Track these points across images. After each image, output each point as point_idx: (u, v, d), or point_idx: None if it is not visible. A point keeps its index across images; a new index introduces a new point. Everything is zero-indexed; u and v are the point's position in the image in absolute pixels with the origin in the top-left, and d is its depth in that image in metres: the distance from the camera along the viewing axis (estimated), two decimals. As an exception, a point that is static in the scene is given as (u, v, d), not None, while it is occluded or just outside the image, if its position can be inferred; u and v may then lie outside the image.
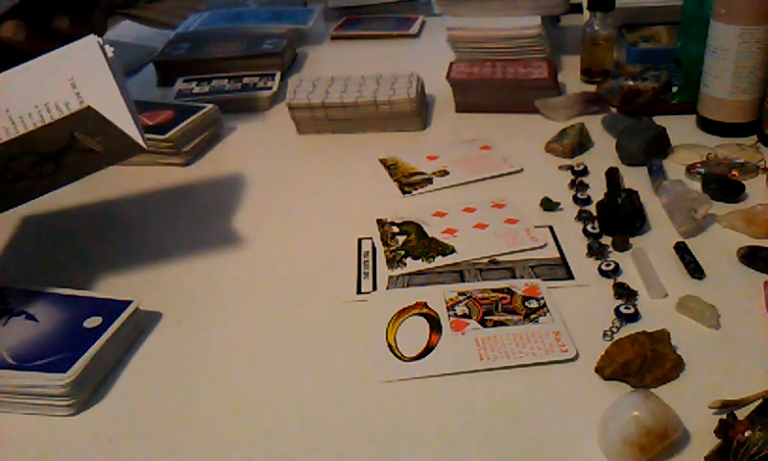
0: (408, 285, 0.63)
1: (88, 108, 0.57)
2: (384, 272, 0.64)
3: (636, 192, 0.69)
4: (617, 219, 0.66)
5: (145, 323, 0.60)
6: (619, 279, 0.61)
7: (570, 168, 0.79)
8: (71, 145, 0.60)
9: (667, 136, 0.80)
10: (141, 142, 0.61)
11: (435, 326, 0.57)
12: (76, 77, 0.61)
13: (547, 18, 1.02)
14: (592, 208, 0.70)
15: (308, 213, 0.75)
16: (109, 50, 0.63)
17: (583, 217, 0.69)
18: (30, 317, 0.58)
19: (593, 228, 0.67)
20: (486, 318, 0.57)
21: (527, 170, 0.80)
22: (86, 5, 0.66)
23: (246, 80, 1.04)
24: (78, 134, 0.59)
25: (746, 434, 0.43)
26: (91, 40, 0.63)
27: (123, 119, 0.60)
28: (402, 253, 0.66)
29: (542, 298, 0.59)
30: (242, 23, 1.24)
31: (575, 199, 0.73)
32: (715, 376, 0.51)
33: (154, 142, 0.84)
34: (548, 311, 0.58)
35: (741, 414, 0.46)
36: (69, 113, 0.58)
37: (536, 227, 0.69)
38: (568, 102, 0.91)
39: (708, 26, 0.80)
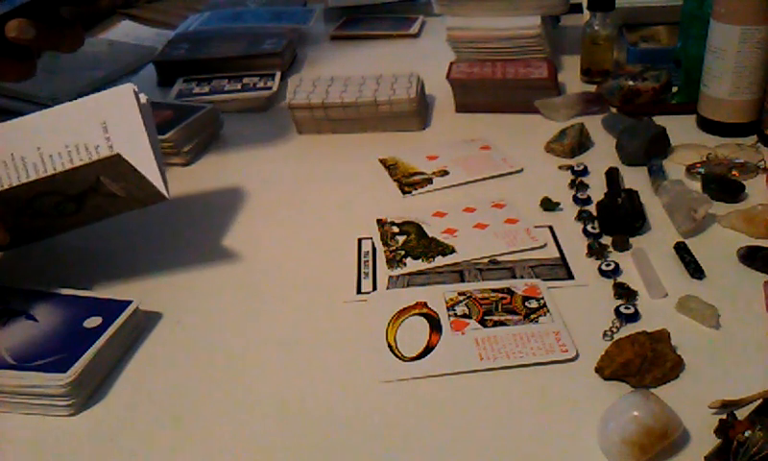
0: (408, 285, 0.63)
1: (117, 155, 0.59)
2: (384, 272, 0.64)
3: (636, 192, 0.69)
4: (617, 219, 0.66)
5: (145, 323, 0.60)
6: (619, 279, 0.61)
7: (570, 168, 0.79)
8: (95, 188, 0.62)
9: (667, 136, 0.80)
10: (164, 192, 0.63)
11: (435, 326, 0.57)
12: (108, 121, 0.62)
13: (547, 18, 1.02)
14: (592, 208, 0.70)
15: (308, 213, 0.76)
16: (143, 98, 0.65)
17: (583, 217, 0.69)
18: (30, 317, 0.58)
19: (593, 228, 0.67)
20: (486, 318, 0.57)
21: (527, 170, 0.80)
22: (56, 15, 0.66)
23: (246, 80, 1.04)
24: (103, 179, 0.61)
25: (746, 434, 0.43)
26: (127, 88, 0.64)
27: (149, 168, 0.62)
28: (402, 253, 0.66)
29: (542, 298, 0.59)
30: (242, 23, 1.24)
31: (575, 199, 0.73)
32: (715, 376, 0.51)
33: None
34: (548, 311, 0.58)
35: (741, 414, 0.46)
36: (98, 158, 0.59)
37: (536, 227, 0.69)
38: (568, 102, 0.91)
39: (707, 26, 0.80)
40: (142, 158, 0.61)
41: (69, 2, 0.65)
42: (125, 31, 1.35)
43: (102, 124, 0.62)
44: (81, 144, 0.61)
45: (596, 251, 0.64)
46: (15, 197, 0.61)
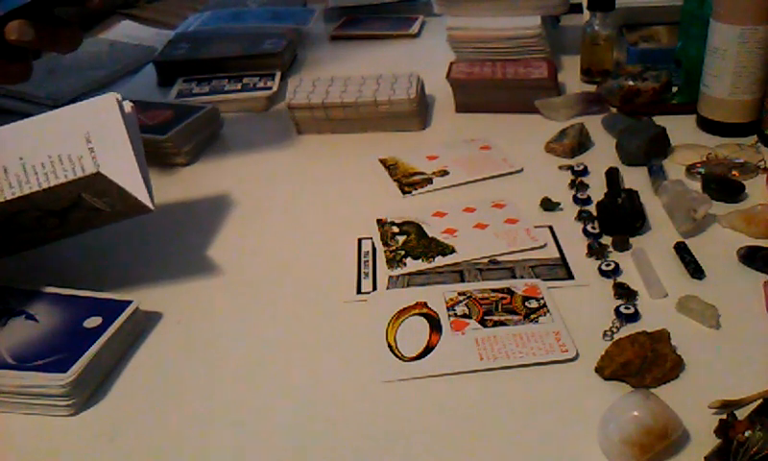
0: (408, 285, 0.63)
1: (98, 173, 0.58)
2: (384, 272, 0.64)
3: (636, 192, 0.69)
4: (617, 219, 0.66)
5: (145, 323, 0.60)
6: (619, 279, 0.61)
7: (570, 168, 0.79)
8: (77, 204, 0.61)
9: (667, 136, 0.80)
10: (149, 204, 0.62)
11: (435, 326, 0.57)
12: (92, 132, 0.61)
13: (547, 18, 1.02)
14: (592, 208, 0.70)
15: (308, 213, 0.76)
16: (128, 105, 0.64)
17: (583, 217, 0.69)
18: (30, 317, 0.58)
19: (593, 228, 0.67)
20: (486, 318, 0.57)
21: (527, 170, 0.80)
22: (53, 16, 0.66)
23: (246, 80, 1.04)
24: (85, 195, 0.60)
25: (746, 434, 0.43)
26: (110, 98, 0.63)
27: (133, 179, 0.61)
28: (402, 253, 0.66)
29: (542, 298, 0.59)
30: (242, 23, 1.24)
31: (575, 199, 0.73)
32: (715, 375, 0.51)
33: (154, 142, 0.84)
34: (548, 311, 0.58)
35: (741, 414, 0.46)
36: (78, 177, 0.59)
37: (536, 227, 0.69)
38: (568, 102, 0.91)
39: (707, 26, 0.80)
40: (126, 170, 0.61)
41: (64, 2, 0.65)
42: (125, 31, 1.35)
43: (85, 134, 0.61)
44: (64, 155, 0.60)
45: (596, 251, 0.64)
46: None
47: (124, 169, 0.60)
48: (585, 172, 0.78)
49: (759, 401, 0.46)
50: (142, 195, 0.61)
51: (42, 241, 0.68)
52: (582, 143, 0.83)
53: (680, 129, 0.83)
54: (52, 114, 0.63)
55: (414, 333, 0.57)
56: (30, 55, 0.67)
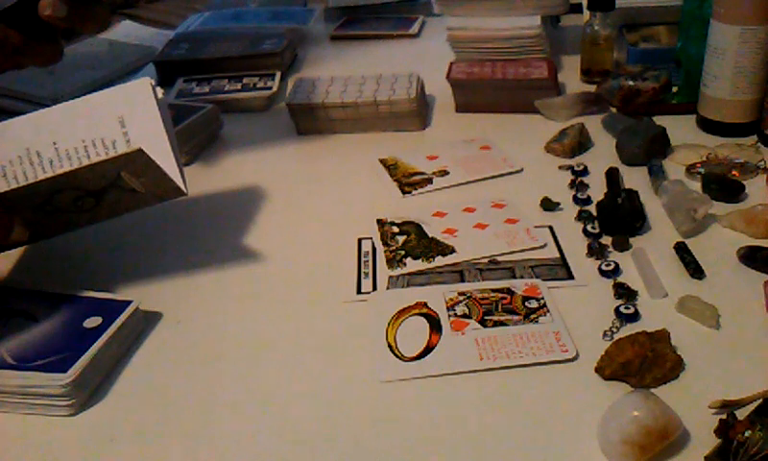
0: (408, 285, 0.63)
1: (139, 149, 0.57)
2: (384, 272, 0.64)
3: (636, 192, 0.69)
4: (617, 219, 0.66)
5: (145, 323, 0.60)
6: (619, 279, 0.61)
7: (570, 168, 0.79)
8: (116, 184, 0.61)
9: (667, 136, 0.80)
10: (183, 187, 0.62)
11: (435, 326, 0.57)
12: (125, 116, 0.61)
13: (547, 18, 1.02)
14: (592, 208, 0.70)
15: (308, 213, 0.76)
16: (159, 92, 0.64)
17: (583, 217, 0.69)
18: (30, 317, 0.58)
19: (593, 228, 0.67)
20: (486, 318, 0.57)
21: (527, 170, 0.80)
22: None
23: (246, 80, 1.04)
24: (124, 174, 0.60)
25: (746, 434, 0.43)
26: (144, 82, 0.63)
27: (168, 163, 0.61)
28: (402, 253, 0.66)
29: (542, 298, 0.59)
30: (242, 23, 1.24)
31: (575, 199, 0.73)
32: (715, 376, 0.51)
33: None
34: (548, 311, 0.58)
35: (741, 414, 0.46)
36: (120, 153, 0.58)
37: (536, 227, 0.69)
38: (568, 102, 0.91)
39: (708, 26, 0.80)
40: (161, 154, 0.60)
41: None
42: (125, 31, 1.35)
43: (119, 119, 0.61)
44: (98, 139, 0.59)
45: (596, 251, 0.64)
46: (34, 193, 0.60)
47: (159, 152, 0.60)
48: (585, 172, 0.78)
49: (759, 401, 0.46)
50: (177, 177, 0.61)
51: (76, 225, 0.67)
52: (582, 143, 0.83)
53: (680, 129, 0.83)
54: (85, 99, 0.63)
55: (414, 333, 0.57)
56: (60, 36, 0.66)
